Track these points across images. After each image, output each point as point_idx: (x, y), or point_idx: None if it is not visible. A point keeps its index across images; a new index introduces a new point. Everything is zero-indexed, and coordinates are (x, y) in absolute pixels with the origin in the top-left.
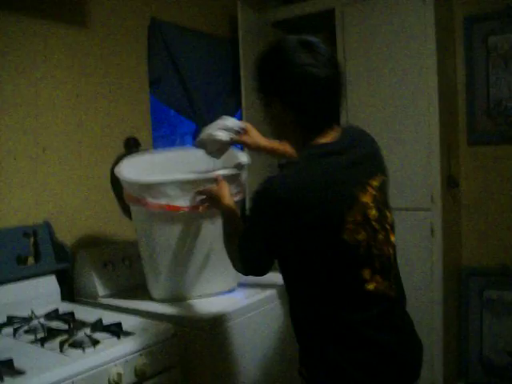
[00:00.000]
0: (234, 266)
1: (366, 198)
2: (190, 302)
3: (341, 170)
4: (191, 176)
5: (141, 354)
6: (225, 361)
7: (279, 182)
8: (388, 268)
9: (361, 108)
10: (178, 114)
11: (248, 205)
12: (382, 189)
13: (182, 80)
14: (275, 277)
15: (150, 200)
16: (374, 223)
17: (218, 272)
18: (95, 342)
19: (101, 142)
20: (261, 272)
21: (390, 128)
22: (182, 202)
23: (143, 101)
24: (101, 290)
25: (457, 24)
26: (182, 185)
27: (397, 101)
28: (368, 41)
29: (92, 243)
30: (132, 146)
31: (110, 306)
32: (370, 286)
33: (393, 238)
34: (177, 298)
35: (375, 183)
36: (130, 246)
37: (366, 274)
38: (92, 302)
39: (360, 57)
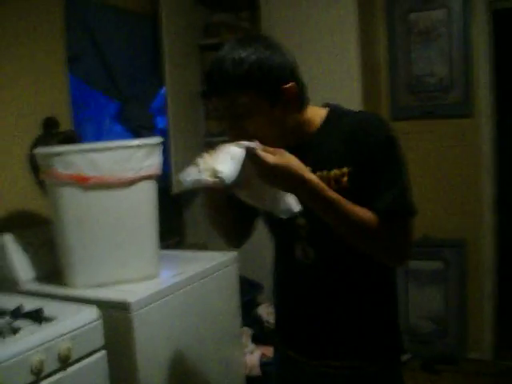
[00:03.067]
0: (392, 254)
1: None
2: (112, 286)
3: None
4: (98, 145)
5: (63, 339)
6: (151, 342)
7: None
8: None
9: None
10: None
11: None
12: None
13: (102, 57)
14: (200, 257)
15: (59, 171)
16: None
17: (137, 253)
18: (15, 330)
19: (16, 121)
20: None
21: (315, 105)
22: (93, 171)
23: (61, 79)
24: (22, 276)
25: (378, 1)
26: (91, 153)
27: (321, 77)
28: (292, 17)
29: (12, 227)
30: (51, 127)
31: (32, 292)
32: None
33: None
34: (93, 285)
35: None
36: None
37: None
38: (12, 288)
39: (284, 32)
